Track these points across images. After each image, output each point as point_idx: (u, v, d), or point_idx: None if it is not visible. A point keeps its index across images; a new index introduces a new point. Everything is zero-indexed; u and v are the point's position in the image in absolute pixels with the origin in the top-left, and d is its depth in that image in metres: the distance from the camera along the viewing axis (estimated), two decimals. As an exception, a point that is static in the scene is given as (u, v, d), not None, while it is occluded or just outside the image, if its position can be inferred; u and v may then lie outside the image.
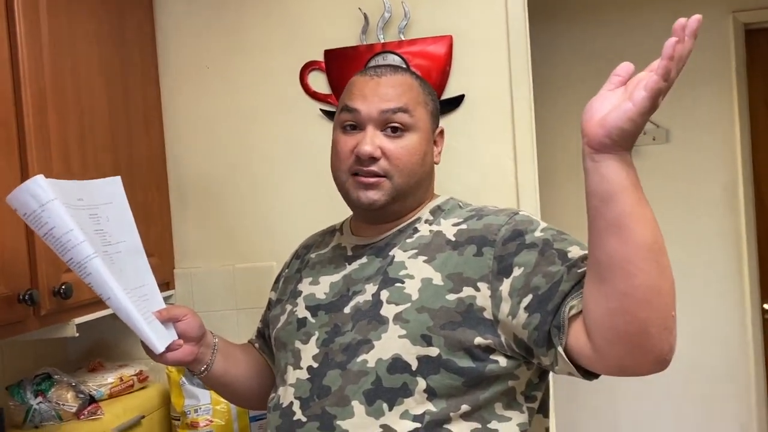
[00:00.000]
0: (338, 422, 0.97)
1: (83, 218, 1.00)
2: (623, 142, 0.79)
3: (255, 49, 1.76)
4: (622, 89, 0.82)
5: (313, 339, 1.05)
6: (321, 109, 1.72)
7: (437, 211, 1.10)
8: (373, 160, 1.04)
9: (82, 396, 1.50)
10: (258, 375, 1.23)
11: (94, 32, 1.49)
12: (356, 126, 1.07)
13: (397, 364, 0.96)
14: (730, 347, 2.73)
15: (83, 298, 1.36)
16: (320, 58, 1.72)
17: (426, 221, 1.08)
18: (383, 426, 0.95)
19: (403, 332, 0.97)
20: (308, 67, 1.73)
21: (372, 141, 1.04)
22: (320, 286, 1.11)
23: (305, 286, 1.13)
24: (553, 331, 0.90)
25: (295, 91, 1.73)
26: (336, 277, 1.10)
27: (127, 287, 1.02)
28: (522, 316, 0.93)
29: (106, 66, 1.53)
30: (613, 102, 0.81)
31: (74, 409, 1.47)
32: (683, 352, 2.83)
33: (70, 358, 1.83)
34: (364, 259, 1.08)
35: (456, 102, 1.66)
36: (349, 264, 1.10)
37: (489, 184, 1.67)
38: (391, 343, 0.97)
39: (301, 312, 1.09)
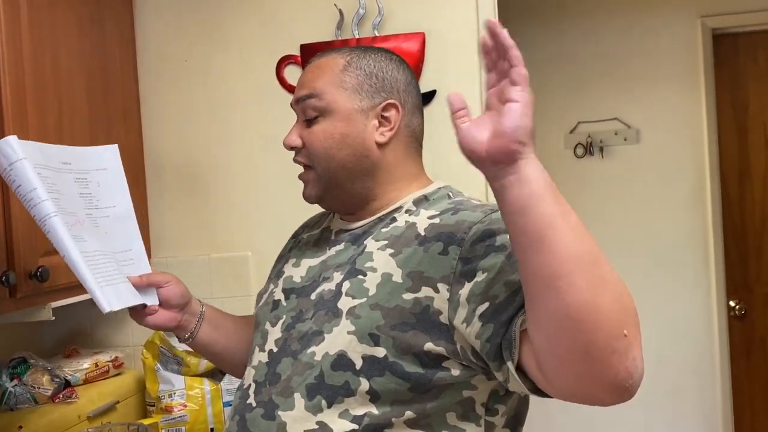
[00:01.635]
0: (279, 412, 0.94)
1: (67, 180, 1.06)
2: (530, 140, 0.74)
3: (232, 43, 1.80)
4: (489, 114, 0.77)
5: (280, 323, 1.03)
6: (297, 103, 1.77)
7: (421, 201, 1.03)
8: (297, 150, 1.05)
9: (57, 380, 1.53)
10: None
11: (74, 25, 1.52)
12: None
13: (341, 361, 0.92)
14: (696, 342, 2.81)
15: (60, 282, 1.38)
16: (296, 52, 1.76)
17: (407, 211, 1.01)
18: (319, 423, 0.91)
19: (353, 328, 0.92)
20: (284, 61, 1.77)
21: (292, 132, 1.05)
22: (299, 269, 1.08)
23: (289, 268, 1.11)
24: (504, 344, 0.82)
25: (271, 85, 1.77)
26: (314, 261, 1.07)
27: (113, 249, 1.08)
28: (476, 324, 0.85)
29: (85, 58, 1.56)
30: (488, 121, 0.76)
31: (49, 393, 1.50)
32: (651, 346, 2.92)
33: (46, 345, 1.85)
34: (341, 246, 1.04)
35: (428, 97, 1.71)
36: (329, 249, 1.06)
37: (458, 180, 1.71)
38: (340, 339, 0.92)
39: (278, 294, 1.08)
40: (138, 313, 1.11)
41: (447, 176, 1.73)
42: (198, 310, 1.17)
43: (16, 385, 1.48)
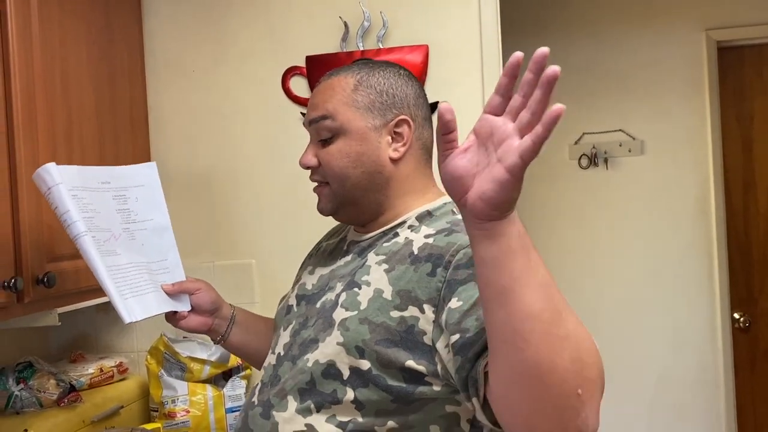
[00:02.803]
0: (273, 412, 0.99)
1: (104, 199, 1.18)
2: (511, 206, 0.72)
3: (239, 54, 1.83)
4: (477, 146, 0.73)
5: (290, 327, 1.08)
6: (302, 113, 1.79)
7: (425, 217, 1.04)
8: (313, 169, 1.08)
9: (62, 384, 1.55)
10: None
11: (83, 33, 1.55)
12: None
13: (330, 371, 0.95)
14: (700, 354, 2.80)
15: (66, 288, 1.41)
16: (302, 63, 1.79)
17: (410, 226, 1.03)
18: (308, 425, 0.95)
19: (342, 340, 0.95)
20: (290, 72, 1.80)
21: (307, 152, 1.08)
22: (312, 277, 1.12)
23: (305, 275, 1.15)
24: (470, 380, 0.84)
25: (277, 95, 1.80)
26: (326, 270, 1.10)
27: (148, 260, 1.20)
28: (450, 353, 0.86)
29: (94, 66, 1.59)
30: (475, 161, 0.72)
31: (55, 397, 1.52)
32: (655, 358, 2.92)
33: (51, 350, 1.88)
34: (349, 257, 1.07)
35: (431, 109, 1.73)
36: (340, 259, 1.09)
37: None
38: (330, 348, 0.96)
39: (293, 299, 1.12)
40: (171, 317, 1.19)
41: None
42: (229, 314, 1.25)
43: (22, 389, 1.50)
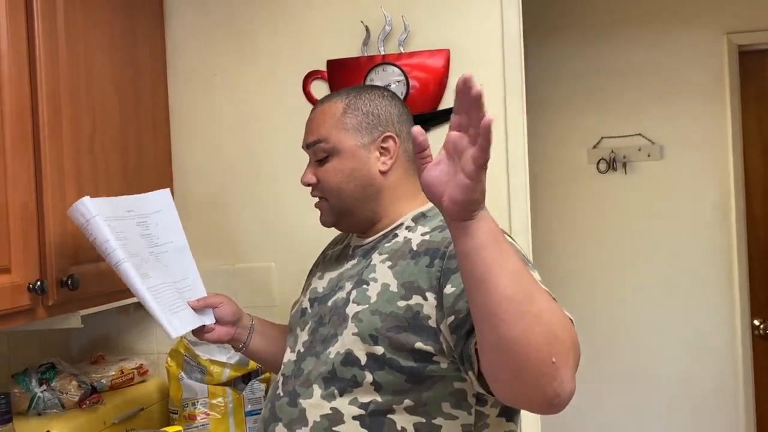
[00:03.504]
0: (300, 400, 1.11)
1: (130, 226, 1.28)
2: (478, 206, 0.84)
3: (260, 58, 1.84)
4: (448, 158, 0.84)
5: (307, 327, 1.20)
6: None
7: (420, 218, 1.17)
8: (313, 186, 1.22)
9: (84, 386, 1.56)
10: None
11: (107, 38, 1.56)
12: None
13: (349, 358, 1.07)
14: (720, 361, 2.78)
15: (90, 290, 1.42)
16: (323, 67, 1.79)
17: (407, 227, 1.16)
18: (333, 408, 1.07)
19: (356, 330, 1.07)
20: (311, 76, 1.80)
21: (306, 172, 1.23)
22: (322, 281, 1.25)
23: (315, 281, 1.28)
24: (464, 356, 0.97)
25: (297, 99, 1.80)
26: (334, 273, 1.23)
27: (173, 279, 1.30)
28: (449, 332, 1.00)
29: (117, 71, 1.60)
30: (446, 171, 0.84)
31: (76, 398, 1.53)
32: (674, 365, 2.89)
33: (72, 351, 1.89)
34: (355, 260, 1.20)
35: (452, 112, 1.72)
36: (347, 262, 1.22)
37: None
38: (347, 339, 1.08)
39: (306, 303, 1.25)
40: (198, 330, 1.31)
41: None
42: (248, 323, 1.37)
43: (44, 390, 1.52)
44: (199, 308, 1.30)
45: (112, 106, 1.57)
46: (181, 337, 1.73)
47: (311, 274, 1.34)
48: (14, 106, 1.25)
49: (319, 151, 1.20)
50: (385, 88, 1.27)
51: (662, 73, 2.80)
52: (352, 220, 1.21)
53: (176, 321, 1.23)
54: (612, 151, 2.85)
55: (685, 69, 2.78)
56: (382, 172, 1.18)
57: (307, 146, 1.23)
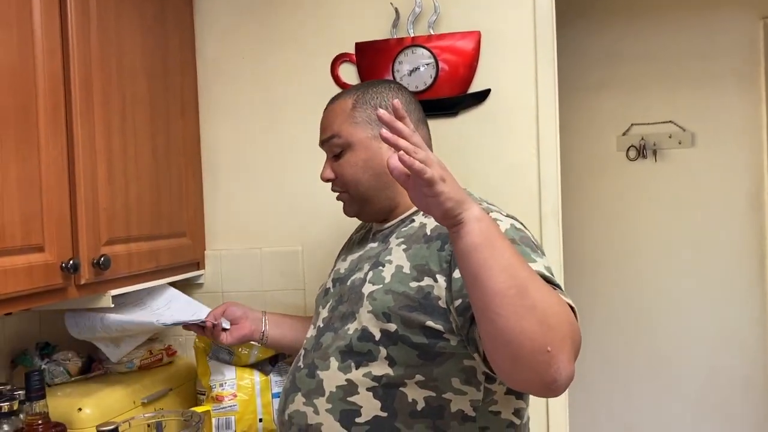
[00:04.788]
0: (318, 372, 1.18)
1: (160, 303, 1.62)
2: (456, 212, 0.91)
3: (288, 41, 1.83)
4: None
5: (328, 305, 1.28)
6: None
7: None
8: (333, 181, 1.31)
9: (81, 354, 1.63)
10: None
11: (138, 21, 1.57)
12: None
13: (364, 334, 1.14)
14: (749, 354, 2.73)
15: (120, 270, 1.43)
16: (351, 50, 1.78)
17: (423, 213, 1.18)
18: (348, 380, 1.14)
19: (371, 308, 1.15)
20: (339, 59, 1.79)
21: (325, 168, 1.32)
22: (345, 263, 1.33)
23: (339, 263, 1.37)
24: (470, 339, 1.05)
25: (326, 82, 1.79)
26: (355, 256, 1.31)
27: (188, 317, 1.55)
28: (457, 314, 1.07)
29: (148, 55, 1.60)
30: (417, 189, 0.93)
31: (80, 364, 1.61)
32: (702, 357, 2.85)
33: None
34: (375, 243, 1.28)
35: (482, 96, 1.70)
36: (367, 245, 1.30)
37: (511, 178, 1.71)
38: (363, 316, 1.15)
39: (329, 284, 1.34)
40: (217, 335, 1.48)
41: (504, 167, 1.73)
42: (260, 316, 1.50)
43: (48, 362, 1.57)
44: (216, 320, 1.47)
45: (142, 89, 1.58)
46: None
47: (338, 257, 1.42)
48: (48, 88, 1.26)
49: (333, 147, 1.28)
50: (393, 81, 1.35)
51: (695, 58, 2.74)
52: (372, 208, 1.28)
53: (167, 314, 1.49)
54: (642, 139, 2.80)
55: (719, 54, 2.72)
56: None
57: (322, 143, 1.31)
